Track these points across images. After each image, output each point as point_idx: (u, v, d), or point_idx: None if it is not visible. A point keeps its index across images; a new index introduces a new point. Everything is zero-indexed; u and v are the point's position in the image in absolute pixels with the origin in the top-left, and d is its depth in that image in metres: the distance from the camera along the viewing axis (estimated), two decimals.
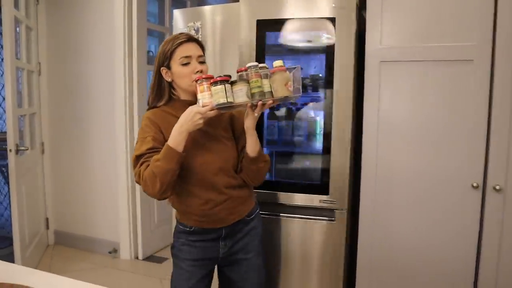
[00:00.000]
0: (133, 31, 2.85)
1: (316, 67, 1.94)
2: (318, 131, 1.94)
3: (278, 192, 1.90)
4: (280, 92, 1.23)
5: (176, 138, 1.24)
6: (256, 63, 1.25)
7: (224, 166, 1.37)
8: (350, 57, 1.74)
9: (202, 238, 1.41)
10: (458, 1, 1.60)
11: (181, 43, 1.34)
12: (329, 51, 1.78)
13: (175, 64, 1.34)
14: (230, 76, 1.25)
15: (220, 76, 1.23)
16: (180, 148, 1.24)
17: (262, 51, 1.87)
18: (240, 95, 1.23)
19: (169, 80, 1.38)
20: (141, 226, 2.99)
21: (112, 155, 2.94)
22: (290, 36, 1.89)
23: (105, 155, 2.98)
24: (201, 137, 1.35)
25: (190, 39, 1.36)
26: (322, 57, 1.83)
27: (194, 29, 2.01)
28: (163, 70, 1.36)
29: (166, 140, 1.28)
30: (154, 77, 1.40)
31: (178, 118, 1.28)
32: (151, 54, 3.35)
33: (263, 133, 1.93)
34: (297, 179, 1.98)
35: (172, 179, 1.25)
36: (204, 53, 1.40)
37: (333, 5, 1.75)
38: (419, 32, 1.66)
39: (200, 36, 2.00)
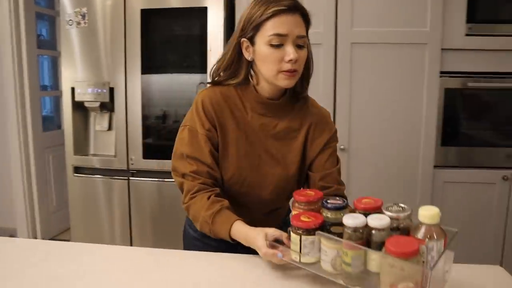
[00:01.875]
0: (20, 15, 2.91)
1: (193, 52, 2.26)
2: None
3: None
4: None
5: (239, 238, 0.99)
6: (381, 216, 0.80)
7: (277, 194, 1.14)
8: (220, 41, 2.10)
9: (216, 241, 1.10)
10: None
11: (277, 12, 0.99)
12: (203, 37, 2.12)
13: (262, 41, 1.01)
14: (345, 206, 0.88)
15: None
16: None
17: (148, 39, 2.16)
18: (323, 258, 0.84)
19: (249, 58, 1.06)
20: (38, 210, 3.10)
21: (2, 140, 2.99)
22: (172, 24, 2.20)
23: None
24: (265, 163, 1.12)
25: (292, 7, 1.00)
26: (198, 42, 2.18)
27: (81, 14, 2.22)
28: (244, 43, 1.05)
29: (217, 139, 1.08)
30: (231, 47, 1.07)
31: (245, 110, 1.10)
32: (42, 37, 3.41)
33: None
34: None
35: None
36: (307, 31, 1.05)
37: None
38: (382, 18, 2.05)
39: (86, 22, 2.21)
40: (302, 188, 1.16)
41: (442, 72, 2.07)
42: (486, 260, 2.14)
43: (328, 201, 0.88)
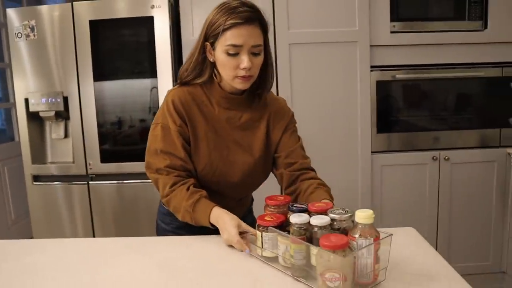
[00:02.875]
0: None
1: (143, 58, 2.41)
2: None
3: None
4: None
5: (216, 224, 1.14)
6: (323, 217, 0.94)
7: (246, 181, 1.28)
8: (167, 47, 2.26)
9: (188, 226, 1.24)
10: None
11: (234, 25, 1.09)
12: (151, 44, 2.28)
13: (220, 49, 1.13)
14: (307, 209, 1.02)
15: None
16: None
17: (98, 48, 2.29)
18: (278, 252, 1.01)
19: (212, 60, 1.18)
20: None
21: None
22: (120, 33, 2.34)
23: None
24: (233, 151, 1.25)
25: (249, 19, 1.10)
26: (147, 49, 2.33)
27: (29, 27, 2.31)
28: (207, 46, 1.17)
29: (188, 134, 1.21)
30: (196, 48, 1.19)
31: (211, 105, 1.22)
32: None
33: None
34: None
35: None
36: (264, 39, 1.17)
37: (152, 4, 2.25)
38: (315, 20, 2.25)
39: (35, 34, 2.31)
40: (271, 191, 1.29)
41: (372, 67, 2.33)
42: (423, 233, 2.43)
43: (294, 205, 1.05)
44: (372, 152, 2.39)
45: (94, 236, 2.45)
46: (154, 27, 2.27)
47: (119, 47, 2.39)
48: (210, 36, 1.15)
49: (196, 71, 1.21)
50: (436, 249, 2.35)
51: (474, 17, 2.31)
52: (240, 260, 1.07)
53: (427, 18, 2.33)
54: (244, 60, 1.12)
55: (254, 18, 1.12)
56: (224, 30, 1.10)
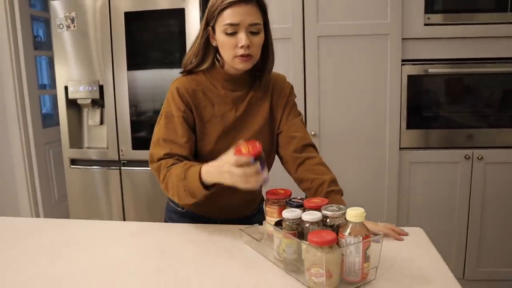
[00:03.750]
0: (16, 18, 3.15)
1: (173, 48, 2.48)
2: None
3: None
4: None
5: (213, 175, 1.07)
6: (315, 213, 0.96)
7: None
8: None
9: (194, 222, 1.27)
10: None
11: (230, 4, 1.12)
12: (182, 35, 2.35)
13: (219, 30, 1.16)
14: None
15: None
16: (210, 183, 1.08)
17: (132, 39, 2.39)
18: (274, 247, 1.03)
19: (215, 44, 1.21)
20: (42, 203, 3.36)
21: (4, 137, 3.24)
22: (153, 24, 2.42)
23: None
24: (239, 131, 1.26)
25: None
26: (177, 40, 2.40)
27: (70, 18, 2.44)
28: (209, 31, 1.20)
29: (195, 121, 1.22)
30: (199, 36, 1.22)
31: (216, 89, 1.24)
32: (39, 39, 3.65)
33: None
34: None
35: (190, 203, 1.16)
36: (264, 18, 1.19)
37: None
38: (345, 12, 2.25)
39: (75, 25, 2.44)
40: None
41: (403, 60, 2.27)
42: (453, 235, 2.37)
43: (292, 199, 1.07)
44: (400, 148, 2.34)
45: (124, 219, 2.58)
46: (185, 19, 2.33)
47: (152, 38, 2.48)
48: (210, 19, 1.18)
49: (199, 57, 1.23)
50: (465, 252, 2.34)
51: None
52: (238, 252, 1.11)
53: (465, 10, 2.22)
54: (242, 38, 1.13)
55: None
56: (222, 10, 1.13)
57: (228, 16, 1.13)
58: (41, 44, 3.68)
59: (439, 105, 2.37)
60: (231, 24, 1.13)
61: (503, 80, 2.30)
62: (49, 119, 3.80)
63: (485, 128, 2.32)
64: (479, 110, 2.35)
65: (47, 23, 3.87)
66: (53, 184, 3.48)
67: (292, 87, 1.37)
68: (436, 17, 2.23)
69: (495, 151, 2.29)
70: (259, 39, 1.18)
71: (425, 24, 2.23)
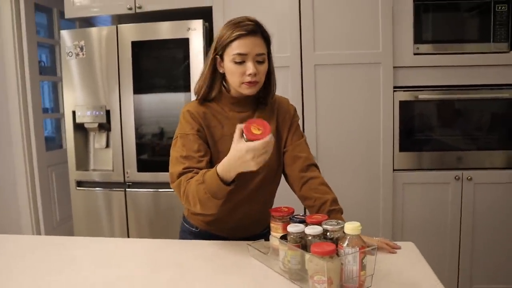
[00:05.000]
0: (24, 44, 3.30)
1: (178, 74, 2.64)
2: None
3: None
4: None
5: (230, 169, 1.15)
6: (316, 228, 1.08)
7: (267, 176, 1.38)
8: (201, 65, 2.47)
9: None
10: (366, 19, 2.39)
11: (240, 36, 1.26)
12: (186, 61, 2.51)
13: (228, 58, 1.28)
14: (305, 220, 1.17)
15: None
16: (229, 179, 1.17)
17: (138, 65, 2.54)
18: (279, 258, 1.15)
19: (222, 71, 1.34)
20: (43, 224, 3.44)
21: (8, 159, 3.34)
22: (159, 52, 2.59)
23: (3, 161, 3.38)
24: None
25: (252, 31, 1.27)
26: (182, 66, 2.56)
27: (79, 47, 2.60)
28: (217, 59, 1.32)
29: (206, 138, 1.32)
30: (208, 64, 1.34)
31: (224, 111, 1.35)
32: (42, 64, 3.80)
33: None
34: None
35: (215, 209, 1.22)
36: (268, 48, 1.33)
37: (188, 27, 2.48)
38: (340, 42, 2.42)
39: (84, 53, 2.59)
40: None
41: (395, 87, 2.43)
42: (445, 252, 2.49)
43: (295, 216, 1.20)
44: (394, 169, 2.48)
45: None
46: (190, 48, 2.50)
47: (157, 65, 2.64)
48: (219, 49, 1.30)
49: (207, 83, 1.34)
50: (458, 270, 2.45)
51: (499, 39, 2.36)
52: (248, 265, 1.23)
53: (451, 40, 2.41)
54: (250, 67, 1.26)
55: (257, 30, 1.28)
56: (231, 41, 1.26)
57: (237, 47, 1.26)
58: (45, 69, 3.83)
59: (430, 129, 2.53)
60: (240, 54, 1.26)
61: (490, 105, 2.47)
62: (51, 142, 3.92)
63: (474, 150, 2.48)
64: (468, 133, 2.51)
65: (51, 49, 4.04)
66: (55, 205, 3.57)
67: (295, 109, 1.50)
68: (425, 47, 2.41)
69: (484, 172, 2.44)
70: (264, 67, 1.31)
71: (415, 54, 2.41)
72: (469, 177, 2.43)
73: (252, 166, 1.11)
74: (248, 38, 1.26)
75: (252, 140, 1.10)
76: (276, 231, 1.23)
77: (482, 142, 2.49)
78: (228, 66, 1.29)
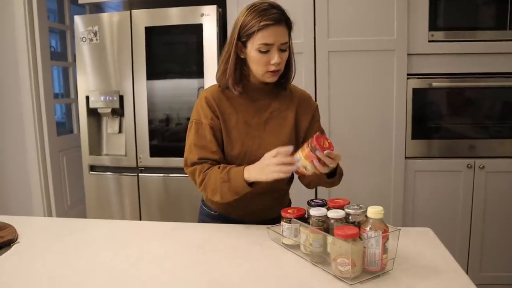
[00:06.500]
0: (35, 30, 3.30)
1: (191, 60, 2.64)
2: None
3: None
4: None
5: (255, 173, 1.24)
6: (338, 212, 1.11)
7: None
8: (214, 51, 2.48)
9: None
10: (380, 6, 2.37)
11: (267, 26, 1.24)
12: (199, 47, 2.51)
13: (252, 47, 1.28)
14: (324, 204, 1.21)
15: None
16: (250, 186, 1.25)
17: (151, 51, 2.54)
18: (300, 241, 1.18)
19: (243, 57, 1.33)
20: (55, 208, 3.48)
21: (20, 144, 3.37)
22: (172, 38, 2.58)
23: (15, 146, 3.41)
24: (262, 137, 1.38)
25: (278, 21, 1.25)
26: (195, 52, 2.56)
27: (93, 32, 2.60)
28: (238, 44, 1.31)
29: (220, 126, 1.35)
30: (228, 48, 1.33)
31: (240, 98, 1.35)
32: (52, 49, 3.81)
33: None
34: None
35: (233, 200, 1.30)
36: (290, 36, 1.32)
37: (202, 13, 2.47)
38: (354, 29, 2.40)
39: (98, 39, 2.59)
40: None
41: (409, 74, 2.42)
42: (455, 240, 2.50)
43: (313, 200, 1.22)
44: (406, 157, 2.48)
45: None
46: (203, 33, 2.49)
47: (171, 51, 2.64)
48: (243, 35, 1.29)
49: (232, 69, 1.33)
50: (468, 257, 2.46)
51: None
52: (267, 247, 1.25)
53: (466, 28, 2.39)
54: (275, 57, 1.27)
55: (282, 19, 1.27)
56: (258, 30, 1.24)
57: (264, 37, 1.25)
58: (55, 55, 3.83)
59: (443, 117, 2.52)
60: (266, 44, 1.26)
61: (503, 93, 2.45)
62: (61, 127, 3.95)
63: (486, 138, 2.47)
64: (480, 121, 2.50)
65: (61, 34, 4.04)
66: (66, 190, 3.61)
67: (317, 106, 1.50)
68: (440, 34, 2.39)
69: (496, 160, 2.44)
70: (286, 55, 1.32)
71: (429, 41, 2.39)
72: (481, 166, 2.43)
73: (271, 170, 1.19)
74: (275, 27, 1.25)
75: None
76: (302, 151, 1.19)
77: (495, 130, 2.48)
78: (252, 54, 1.29)
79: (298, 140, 1.45)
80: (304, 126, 1.44)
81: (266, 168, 1.20)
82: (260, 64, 1.29)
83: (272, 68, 1.29)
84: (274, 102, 1.41)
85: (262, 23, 1.24)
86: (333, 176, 1.32)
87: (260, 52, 1.27)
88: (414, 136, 2.49)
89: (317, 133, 1.19)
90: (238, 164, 1.34)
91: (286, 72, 1.39)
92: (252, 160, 1.30)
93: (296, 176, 1.43)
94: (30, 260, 1.17)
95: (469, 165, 2.45)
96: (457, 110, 2.51)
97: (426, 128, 2.51)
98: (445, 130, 2.52)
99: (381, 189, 2.51)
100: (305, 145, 1.18)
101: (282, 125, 1.41)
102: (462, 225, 2.50)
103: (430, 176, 2.49)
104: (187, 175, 1.41)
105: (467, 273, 2.53)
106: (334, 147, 1.18)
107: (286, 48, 1.30)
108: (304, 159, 1.17)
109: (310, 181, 1.41)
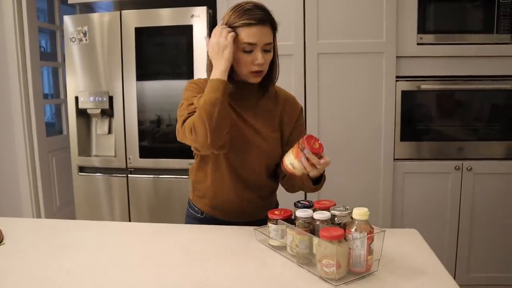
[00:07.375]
0: (24, 30, 3.27)
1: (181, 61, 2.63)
2: None
3: None
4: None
5: (217, 68, 1.24)
6: (325, 213, 1.11)
7: (267, 164, 1.42)
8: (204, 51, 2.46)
9: None
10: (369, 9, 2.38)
11: (249, 25, 1.24)
12: (189, 48, 2.50)
13: (237, 47, 1.26)
14: (311, 206, 1.20)
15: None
16: (224, 77, 1.23)
17: (141, 52, 2.53)
18: (287, 242, 1.17)
19: None
20: (44, 209, 3.45)
21: (9, 144, 3.33)
22: (162, 39, 2.57)
23: (4, 147, 3.38)
24: (247, 132, 1.37)
25: (261, 21, 1.25)
26: (185, 53, 2.55)
27: (82, 32, 2.58)
28: None
29: None
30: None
31: (230, 96, 1.29)
32: (42, 49, 3.77)
33: None
34: None
35: (222, 115, 1.20)
36: (274, 37, 1.32)
37: (192, 14, 2.47)
38: (344, 31, 2.41)
39: (87, 39, 2.57)
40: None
41: (398, 77, 2.44)
42: (444, 241, 2.52)
43: (300, 201, 1.21)
44: (395, 159, 2.50)
45: None
46: (193, 34, 2.49)
47: (161, 51, 2.63)
48: None
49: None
50: (456, 258, 2.48)
51: (502, 30, 2.37)
52: (254, 248, 1.24)
53: (455, 31, 2.41)
54: (258, 57, 1.26)
55: (266, 19, 1.26)
56: (241, 28, 1.24)
57: (247, 36, 1.24)
58: (45, 55, 3.80)
59: (431, 119, 2.54)
60: (250, 44, 1.25)
61: (491, 96, 2.48)
62: (51, 128, 3.91)
63: (474, 140, 2.50)
64: (468, 124, 2.53)
65: (51, 34, 4.01)
66: (55, 191, 3.58)
67: (302, 109, 1.49)
68: (428, 37, 2.41)
69: (484, 162, 2.46)
70: (270, 56, 1.31)
71: (418, 44, 2.41)
72: (469, 167, 2.45)
73: (221, 48, 1.23)
74: (258, 27, 1.24)
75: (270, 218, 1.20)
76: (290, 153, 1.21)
77: (483, 132, 2.51)
78: (236, 54, 1.27)
79: (283, 141, 1.44)
80: (288, 130, 1.44)
81: (219, 52, 1.23)
82: (244, 64, 1.28)
83: (255, 68, 1.28)
84: (261, 101, 1.41)
85: (244, 21, 1.24)
86: (319, 183, 1.32)
87: (244, 51, 1.26)
88: (403, 138, 2.50)
89: (308, 134, 1.19)
90: (224, 156, 1.35)
91: (269, 73, 1.38)
92: (237, 151, 1.34)
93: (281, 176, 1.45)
94: (16, 261, 1.16)
95: (457, 167, 2.47)
96: (445, 112, 2.53)
97: (414, 130, 2.52)
98: (433, 132, 2.53)
99: (370, 191, 2.52)
100: (296, 145, 1.19)
101: (266, 126, 1.40)
102: (450, 226, 2.52)
103: (418, 177, 2.51)
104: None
105: (455, 274, 2.55)
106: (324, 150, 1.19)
107: (270, 48, 1.29)
108: (293, 158, 1.18)
109: (293, 184, 1.40)
